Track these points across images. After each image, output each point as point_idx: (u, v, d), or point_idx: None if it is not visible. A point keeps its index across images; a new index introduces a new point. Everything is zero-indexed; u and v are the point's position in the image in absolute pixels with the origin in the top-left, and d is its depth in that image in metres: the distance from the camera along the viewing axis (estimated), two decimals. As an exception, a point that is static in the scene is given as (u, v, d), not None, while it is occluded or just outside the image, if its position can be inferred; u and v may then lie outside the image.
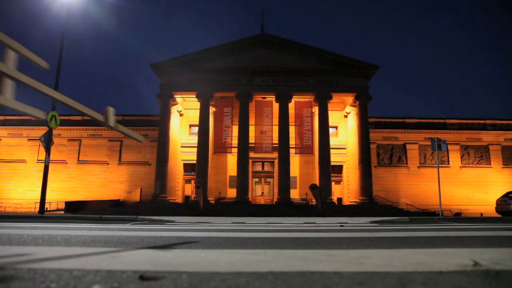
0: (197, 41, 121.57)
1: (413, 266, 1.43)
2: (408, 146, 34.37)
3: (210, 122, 30.56)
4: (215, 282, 1.13)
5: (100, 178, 33.81)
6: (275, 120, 30.24)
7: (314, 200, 26.26)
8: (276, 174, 30.16)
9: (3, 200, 33.26)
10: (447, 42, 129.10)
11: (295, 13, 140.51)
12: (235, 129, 30.05)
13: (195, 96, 30.23)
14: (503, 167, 34.22)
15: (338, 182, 32.62)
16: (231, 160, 31.20)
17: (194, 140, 30.88)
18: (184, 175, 33.22)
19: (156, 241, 2.71)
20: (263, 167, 33.33)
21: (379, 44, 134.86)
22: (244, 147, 28.95)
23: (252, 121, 30.22)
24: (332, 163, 29.68)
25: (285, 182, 28.18)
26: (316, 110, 30.78)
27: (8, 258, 1.63)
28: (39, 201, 14.57)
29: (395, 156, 34.31)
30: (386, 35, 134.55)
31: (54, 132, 16.45)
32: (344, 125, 33.54)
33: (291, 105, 30.41)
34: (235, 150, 29.71)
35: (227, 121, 30.75)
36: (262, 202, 31.57)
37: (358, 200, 28.92)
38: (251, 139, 29.75)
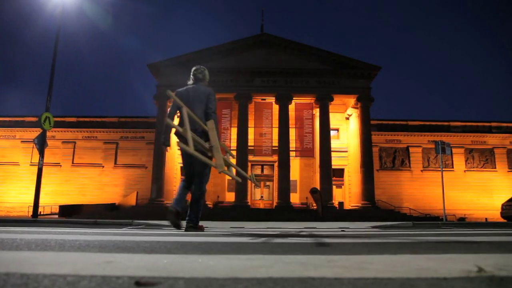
0: (196, 41, 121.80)
1: (416, 272, 1.43)
2: (411, 149, 34.41)
3: (208, 124, 30.56)
4: (213, 288, 1.13)
5: (95, 181, 33.78)
6: (275, 122, 30.26)
7: (314, 204, 26.26)
8: (275, 177, 30.21)
9: (-4, 203, 33.22)
10: (451, 42, 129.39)
11: (295, 13, 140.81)
12: (233, 132, 30.05)
13: (193, 97, 30.24)
14: (508, 171, 34.26)
15: (339, 186, 32.63)
16: (230, 163, 31.19)
17: (192, 142, 30.85)
18: (182, 178, 33.16)
19: (152, 246, 2.71)
20: (262, 171, 33.33)
21: (381, 44, 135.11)
22: (243, 150, 28.96)
23: (251, 123, 30.24)
24: (333, 167, 29.72)
25: (285, 185, 28.18)
26: (317, 112, 30.82)
27: (0, 263, 1.63)
28: (32, 204, 14.53)
29: (398, 159, 34.34)
30: (388, 36, 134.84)
31: (48, 134, 16.44)
32: (346, 127, 33.58)
33: (291, 107, 30.44)
34: (233, 153, 29.68)
35: (225, 123, 30.75)
36: (261, 206, 31.57)
37: (360, 204, 28.93)
38: (250, 142, 29.75)
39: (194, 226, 5.25)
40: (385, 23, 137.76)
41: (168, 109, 5.31)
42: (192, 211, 5.36)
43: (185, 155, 5.42)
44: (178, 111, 5.24)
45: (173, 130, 4.97)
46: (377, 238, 4.06)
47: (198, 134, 4.86)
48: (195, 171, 5.43)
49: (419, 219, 24.64)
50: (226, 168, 5.00)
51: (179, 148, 4.22)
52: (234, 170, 5.75)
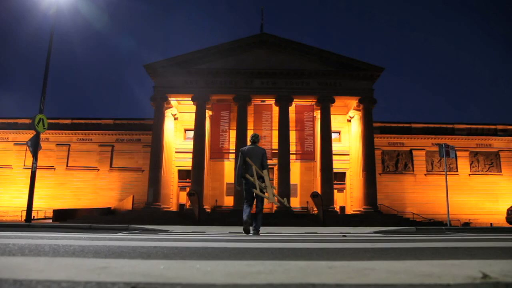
0: (194, 41, 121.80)
1: (419, 279, 1.43)
2: (414, 152, 34.41)
3: (206, 126, 30.56)
4: (211, 295, 1.13)
5: (90, 185, 33.74)
6: (275, 125, 30.24)
7: (315, 208, 26.24)
8: (275, 181, 30.18)
9: (-12, 207, 33.13)
10: (456, 43, 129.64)
11: (296, 13, 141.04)
12: (232, 134, 30.03)
13: (190, 99, 30.25)
14: (514, 175, 34.23)
15: (340, 190, 32.61)
16: (229, 166, 31.17)
17: (190, 145, 30.86)
18: (179, 182, 33.18)
19: (149, 251, 2.71)
20: (262, 174, 33.28)
21: (384, 45, 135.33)
22: (242, 153, 28.93)
23: (250, 125, 30.20)
24: (334, 170, 29.69)
25: (285, 189, 28.12)
26: (318, 114, 30.82)
27: (-7, 268, 1.63)
28: (25, 209, 14.51)
29: (401, 163, 34.33)
30: (391, 36, 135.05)
31: (42, 136, 16.42)
32: (348, 130, 33.57)
33: (292, 109, 30.43)
34: (232, 156, 29.66)
35: (224, 125, 30.74)
36: (253, 200, 31.50)
37: (361, 209, 28.90)
38: (250, 144, 29.71)
39: (257, 231, 8.08)
40: (388, 23, 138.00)
41: (238, 163, 8.65)
42: (257, 222, 8.19)
43: (249, 190, 8.38)
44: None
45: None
46: (379, 244, 4.06)
47: (258, 176, 8.21)
48: (257, 197, 8.39)
49: (422, 224, 24.61)
50: (276, 199, 8.49)
51: (239, 187, 8.66)
52: (276, 199, 8.56)
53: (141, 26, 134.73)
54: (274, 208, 29.34)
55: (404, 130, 34.98)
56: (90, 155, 34.46)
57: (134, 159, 34.16)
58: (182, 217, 24.81)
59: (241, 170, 8.49)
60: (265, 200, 8.45)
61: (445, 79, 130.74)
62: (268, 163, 8.84)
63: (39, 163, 15.92)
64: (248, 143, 33.19)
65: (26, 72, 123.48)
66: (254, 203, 8.62)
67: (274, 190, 8.61)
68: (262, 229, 11.20)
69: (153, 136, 30.00)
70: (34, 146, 14.79)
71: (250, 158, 8.34)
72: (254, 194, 8.28)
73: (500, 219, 29.83)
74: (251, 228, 8.11)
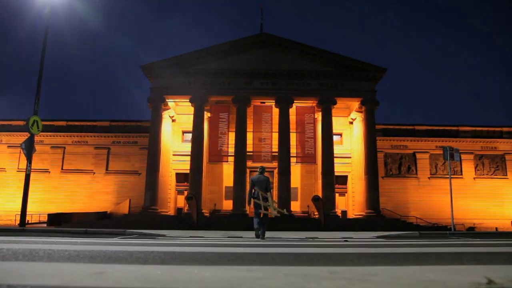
0: (192, 42, 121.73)
1: (422, 284, 1.43)
2: (418, 155, 34.39)
3: (205, 128, 30.54)
4: (209, 301, 1.13)
5: (86, 188, 33.69)
6: (275, 127, 30.22)
7: (316, 212, 26.21)
8: (275, 184, 30.17)
9: (-20, 211, 33.06)
10: (461, 44, 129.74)
11: (296, 13, 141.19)
12: (231, 136, 30.01)
13: (188, 100, 30.24)
14: (520, 178, 34.19)
15: (342, 194, 32.58)
16: (227, 169, 31.14)
17: (187, 148, 30.83)
18: (177, 185, 33.14)
19: (146, 256, 2.71)
20: (261, 177, 33.21)
21: (386, 45, 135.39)
22: (241, 156, 28.91)
23: (250, 127, 30.19)
24: (336, 173, 29.66)
25: (285, 193, 28.11)
26: (319, 116, 30.80)
27: (-14, 274, 1.62)
28: (19, 213, 14.49)
29: (404, 166, 34.31)
30: (394, 36, 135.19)
31: (36, 138, 16.40)
32: (349, 132, 33.56)
33: (292, 111, 30.42)
34: (231, 159, 29.65)
35: (223, 127, 30.71)
36: (260, 215, 31.44)
37: (364, 213, 28.88)
38: (249, 147, 29.70)
39: (263, 236, 10.21)
40: (391, 23, 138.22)
41: (248, 189, 11.49)
42: (264, 228, 10.42)
43: (257, 207, 10.92)
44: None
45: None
46: (382, 249, 4.05)
47: (263, 198, 10.82)
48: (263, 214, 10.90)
49: (426, 228, 24.59)
50: (277, 212, 11.19)
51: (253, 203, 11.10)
52: (277, 211, 11.18)
53: (139, 26, 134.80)
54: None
55: (407, 133, 34.95)
56: (85, 157, 34.42)
57: (131, 162, 34.13)
58: (180, 221, 24.76)
59: (251, 194, 11.23)
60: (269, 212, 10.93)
61: (449, 80, 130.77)
62: (269, 179, 11.77)
63: (33, 166, 15.90)
64: (249, 148, 33.39)
65: (20, 72, 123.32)
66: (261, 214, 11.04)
67: (275, 204, 11.45)
68: (262, 234, 11.27)
69: (150, 139, 29.97)
70: (28, 149, 14.78)
71: (257, 185, 11.15)
72: (260, 210, 10.82)
73: (505, 224, 29.84)
74: (259, 233, 10.25)
